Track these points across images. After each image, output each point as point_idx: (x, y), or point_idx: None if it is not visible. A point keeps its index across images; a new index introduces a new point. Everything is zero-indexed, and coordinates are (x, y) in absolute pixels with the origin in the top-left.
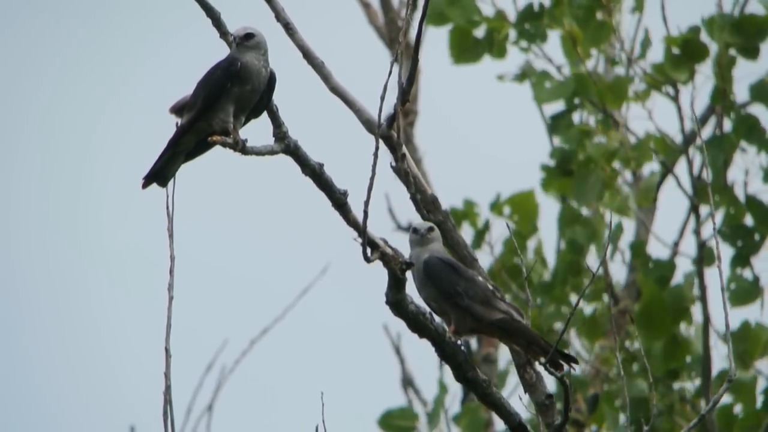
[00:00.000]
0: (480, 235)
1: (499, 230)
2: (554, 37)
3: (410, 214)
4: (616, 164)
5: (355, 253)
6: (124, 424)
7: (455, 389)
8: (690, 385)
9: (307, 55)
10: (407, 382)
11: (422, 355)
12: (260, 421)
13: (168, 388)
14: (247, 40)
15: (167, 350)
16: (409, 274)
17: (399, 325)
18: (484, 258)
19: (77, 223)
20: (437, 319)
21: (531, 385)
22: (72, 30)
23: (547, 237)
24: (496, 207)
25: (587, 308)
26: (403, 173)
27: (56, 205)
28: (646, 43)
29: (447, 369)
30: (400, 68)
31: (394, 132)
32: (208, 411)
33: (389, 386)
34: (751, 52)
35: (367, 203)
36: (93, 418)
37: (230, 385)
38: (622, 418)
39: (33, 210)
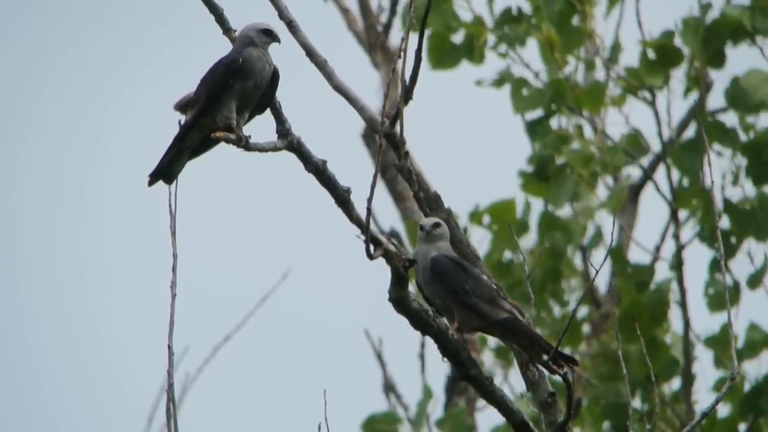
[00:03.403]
0: None
1: (478, 239)
2: (532, 42)
3: (393, 222)
4: (593, 169)
5: (354, 251)
6: (124, 422)
7: (439, 394)
8: (668, 388)
9: (310, 53)
10: (389, 388)
11: (404, 360)
12: (243, 427)
13: (171, 386)
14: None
15: (170, 348)
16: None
17: (380, 330)
18: None
19: (80, 221)
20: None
21: (533, 383)
22: (76, 28)
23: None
24: (475, 216)
25: (566, 312)
26: (405, 171)
27: (60, 203)
28: (617, 47)
29: (430, 374)
30: (403, 66)
31: (397, 130)
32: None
33: (371, 391)
34: (718, 61)
35: (370, 200)
36: (92, 416)
37: (220, 389)
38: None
39: (37, 208)
